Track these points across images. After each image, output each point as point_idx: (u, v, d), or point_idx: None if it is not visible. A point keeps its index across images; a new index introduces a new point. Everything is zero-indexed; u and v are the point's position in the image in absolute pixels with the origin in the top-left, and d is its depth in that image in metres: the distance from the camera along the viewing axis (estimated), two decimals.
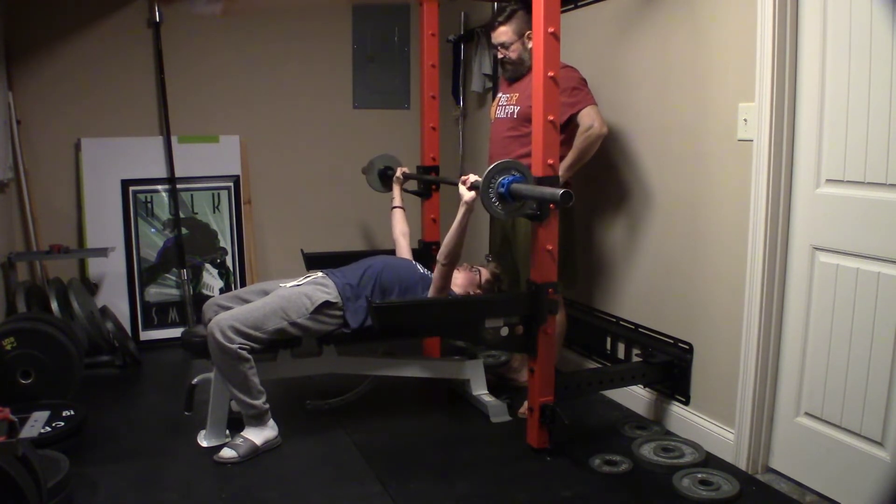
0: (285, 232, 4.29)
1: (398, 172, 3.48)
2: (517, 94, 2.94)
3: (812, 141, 2.30)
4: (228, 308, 2.70)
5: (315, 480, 2.47)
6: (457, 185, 2.73)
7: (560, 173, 2.74)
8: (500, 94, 3.10)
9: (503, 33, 2.94)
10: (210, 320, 2.62)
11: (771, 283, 2.40)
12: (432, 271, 2.85)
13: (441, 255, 2.77)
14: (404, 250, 3.28)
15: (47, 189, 3.90)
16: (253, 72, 4.19)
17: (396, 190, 3.48)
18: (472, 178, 2.62)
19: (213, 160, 4.13)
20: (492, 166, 2.38)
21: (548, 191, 2.25)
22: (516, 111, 2.92)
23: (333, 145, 4.42)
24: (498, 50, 2.98)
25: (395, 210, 3.41)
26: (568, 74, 2.84)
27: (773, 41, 2.30)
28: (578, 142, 2.82)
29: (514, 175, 2.37)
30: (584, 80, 2.88)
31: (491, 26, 3.02)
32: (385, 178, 3.62)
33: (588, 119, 2.80)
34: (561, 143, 2.83)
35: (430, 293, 2.81)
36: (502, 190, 2.36)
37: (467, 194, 2.63)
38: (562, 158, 2.83)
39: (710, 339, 2.69)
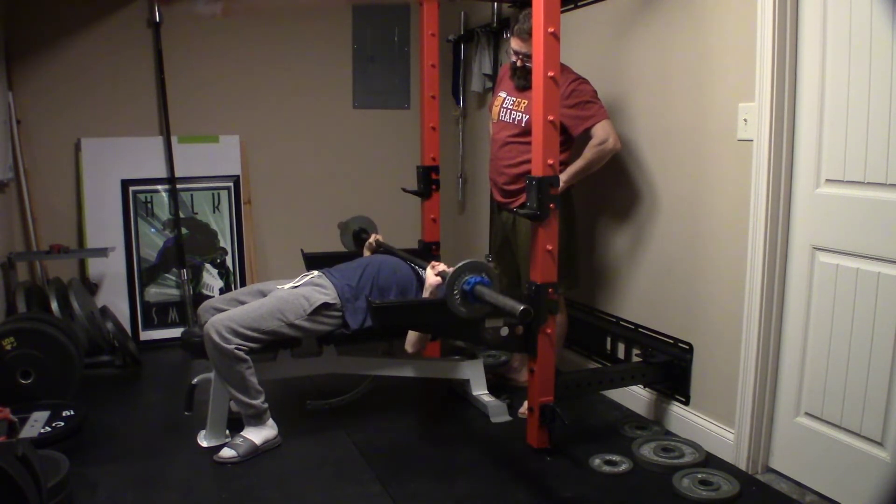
0: (285, 232, 4.29)
1: (371, 239, 3.31)
2: (527, 102, 2.92)
3: (812, 141, 2.30)
4: (224, 310, 2.69)
5: (315, 480, 2.47)
6: (424, 267, 2.81)
7: (564, 179, 2.75)
8: (503, 95, 3.07)
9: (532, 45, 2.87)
10: (206, 322, 2.62)
11: (771, 283, 2.40)
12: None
13: (411, 349, 2.89)
14: None
15: (47, 189, 3.90)
16: (253, 72, 4.20)
17: (368, 255, 3.27)
18: (441, 267, 2.72)
19: (213, 160, 4.13)
20: (464, 263, 2.36)
21: (509, 303, 2.23)
22: (525, 119, 2.91)
23: (333, 145, 4.42)
24: (518, 58, 2.93)
25: None
26: (582, 87, 2.84)
27: (773, 41, 2.30)
28: (590, 153, 2.82)
29: (482, 277, 2.36)
30: (596, 93, 2.88)
31: (514, 32, 2.93)
32: (359, 242, 3.46)
33: (603, 133, 2.81)
34: (566, 150, 2.84)
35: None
36: (467, 288, 2.35)
37: (432, 279, 2.71)
38: (567, 165, 2.84)
39: (710, 339, 2.69)
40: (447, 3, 3.97)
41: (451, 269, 2.39)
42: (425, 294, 2.76)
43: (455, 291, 2.33)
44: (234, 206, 4.19)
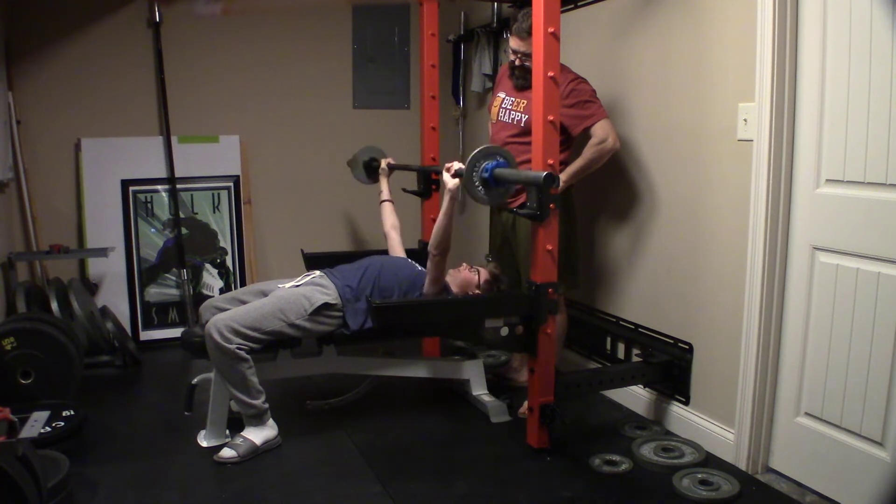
0: (285, 232, 4.29)
1: (383, 164, 3.47)
2: (525, 102, 2.92)
3: (812, 141, 2.30)
4: (226, 309, 2.69)
5: (315, 480, 2.47)
6: (441, 173, 2.73)
7: (564, 178, 2.75)
8: (502, 95, 3.07)
9: (531, 44, 2.87)
10: (207, 321, 2.62)
11: (771, 283, 2.40)
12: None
13: (432, 246, 2.78)
14: (396, 245, 3.27)
15: (47, 189, 3.90)
16: (253, 72, 4.19)
17: (384, 182, 3.47)
18: (457, 165, 2.63)
19: (213, 160, 4.13)
20: (476, 151, 2.37)
21: (531, 174, 2.24)
22: (524, 120, 2.92)
23: (333, 145, 4.41)
24: (517, 57, 2.92)
25: (383, 204, 3.40)
26: (581, 87, 2.85)
27: (773, 41, 2.30)
28: (590, 152, 2.83)
29: (498, 160, 2.36)
30: (595, 92, 2.88)
31: (512, 31, 2.93)
32: (371, 171, 3.60)
33: (602, 132, 2.81)
34: (566, 150, 2.85)
35: (426, 286, 2.83)
36: (486, 175, 2.35)
37: (451, 182, 2.64)
38: (567, 165, 2.85)
39: (710, 339, 2.69)
40: (447, 3, 3.97)
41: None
42: (445, 198, 2.69)
43: (476, 182, 2.32)
44: (234, 206, 4.19)
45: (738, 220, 2.49)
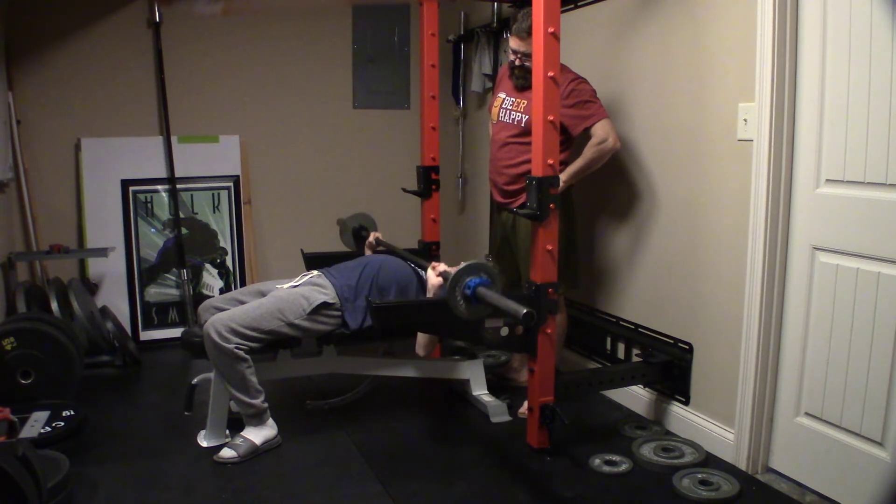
0: (285, 232, 4.29)
1: (371, 237, 3.30)
2: (526, 102, 2.92)
3: (812, 141, 2.30)
4: (224, 310, 2.69)
5: (315, 480, 2.47)
6: (425, 268, 2.81)
7: (564, 178, 2.75)
8: (503, 95, 3.07)
9: (531, 44, 2.87)
10: (206, 322, 2.62)
11: (771, 283, 2.40)
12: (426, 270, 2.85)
13: (420, 349, 2.91)
14: None
15: (47, 189, 3.90)
16: (253, 72, 4.20)
17: (368, 255, 3.25)
18: (442, 267, 2.70)
19: (213, 160, 4.14)
20: (463, 266, 2.36)
21: (512, 305, 2.21)
22: (524, 120, 2.92)
23: (333, 145, 4.42)
24: (517, 57, 2.92)
25: None
26: (581, 87, 2.85)
27: (773, 41, 2.30)
28: (590, 152, 2.82)
29: (482, 277, 2.35)
30: (595, 92, 2.88)
31: (512, 31, 2.92)
32: (358, 239, 3.45)
33: (602, 132, 2.81)
34: (566, 150, 2.85)
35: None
36: (468, 292, 2.34)
37: (434, 280, 2.71)
38: (567, 165, 2.84)
39: (710, 339, 2.69)
40: (447, 3, 3.97)
41: (453, 270, 2.38)
42: (428, 295, 2.76)
43: (457, 296, 2.33)
44: (234, 206, 4.20)
45: (738, 219, 2.49)
